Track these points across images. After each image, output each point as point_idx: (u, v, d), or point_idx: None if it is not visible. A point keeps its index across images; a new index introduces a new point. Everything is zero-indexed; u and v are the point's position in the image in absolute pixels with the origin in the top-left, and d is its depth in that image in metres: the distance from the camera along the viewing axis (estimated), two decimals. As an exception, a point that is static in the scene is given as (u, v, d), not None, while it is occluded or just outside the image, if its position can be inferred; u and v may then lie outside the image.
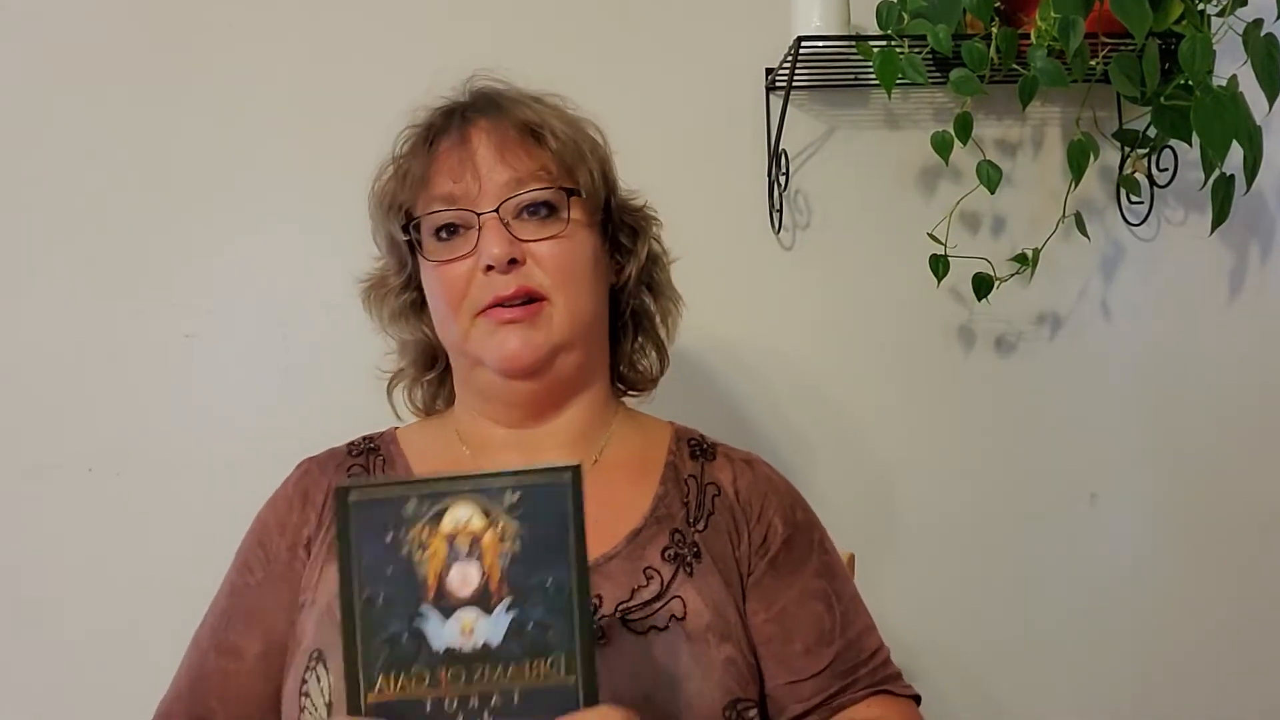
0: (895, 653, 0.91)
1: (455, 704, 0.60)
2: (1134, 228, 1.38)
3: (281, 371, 1.29)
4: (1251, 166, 1.21)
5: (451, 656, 0.60)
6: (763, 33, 1.31)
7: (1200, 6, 1.24)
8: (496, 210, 0.83)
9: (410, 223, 0.87)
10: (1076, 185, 1.30)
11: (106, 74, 1.28)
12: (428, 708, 0.60)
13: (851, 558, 1.06)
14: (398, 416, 0.99)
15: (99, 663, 1.24)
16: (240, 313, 1.29)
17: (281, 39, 1.30)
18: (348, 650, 0.60)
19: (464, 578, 0.60)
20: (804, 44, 1.23)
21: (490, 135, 0.86)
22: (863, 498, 1.35)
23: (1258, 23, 1.21)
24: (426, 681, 0.60)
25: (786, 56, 1.26)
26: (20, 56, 1.27)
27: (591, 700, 0.61)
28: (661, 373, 0.98)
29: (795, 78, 1.27)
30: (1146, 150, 1.33)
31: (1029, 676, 1.36)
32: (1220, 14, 1.23)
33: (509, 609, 0.61)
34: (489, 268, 0.82)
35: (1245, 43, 1.20)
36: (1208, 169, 1.24)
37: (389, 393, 0.98)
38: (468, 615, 0.61)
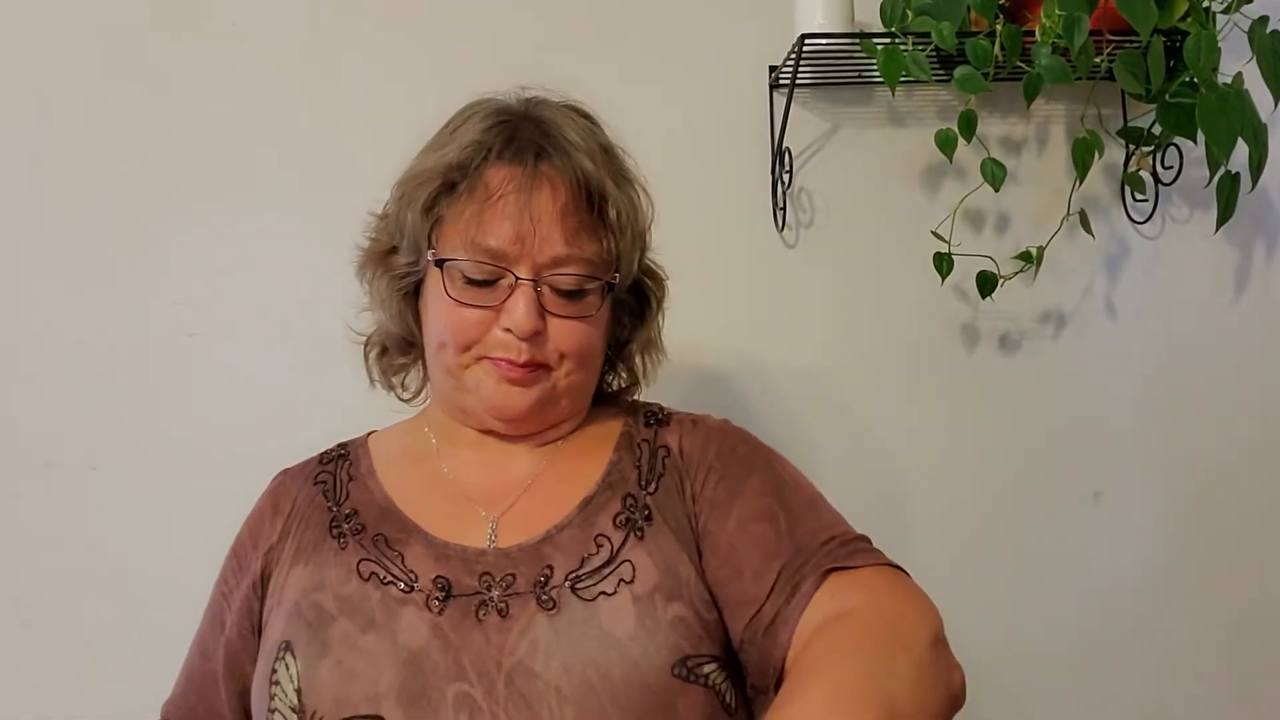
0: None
1: None
2: (1139, 225, 1.38)
3: (285, 370, 1.29)
4: (1257, 164, 1.21)
5: None
6: (766, 30, 1.31)
7: (1205, 3, 1.24)
8: (534, 280, 0.83)
9: (442, 259, 0.85)
10: (1081, 183, 1.30)
11: (109, 73, 1.28)
12: None
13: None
14: (398, 396, 0.99)
15: (101, 662, 1.24)
16: (243, 312, 1.29)
17: (284, 38, 1.30)
18: None
19: None
20: (808, 41, 1.23)
21: (555, 195, 0.83)
22: (866, 496, 1.34)
23: (1263, 19, 1.20)
24: None
25: (790, 54, 1.25)
26: (23, 54, 1.27)
27: None
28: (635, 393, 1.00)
29: (799, 75, 1.26)
30: (1151, 148, 1.32)
31: (1032, 675, 1.36)
32: (1225, 11, 1.23)
33: None
34: (509, 329, 0.83)
35: (1251, 40, 1.20)
36: (1213, 166, 1.24)
37: (365, 355, 0.97)
38: None
